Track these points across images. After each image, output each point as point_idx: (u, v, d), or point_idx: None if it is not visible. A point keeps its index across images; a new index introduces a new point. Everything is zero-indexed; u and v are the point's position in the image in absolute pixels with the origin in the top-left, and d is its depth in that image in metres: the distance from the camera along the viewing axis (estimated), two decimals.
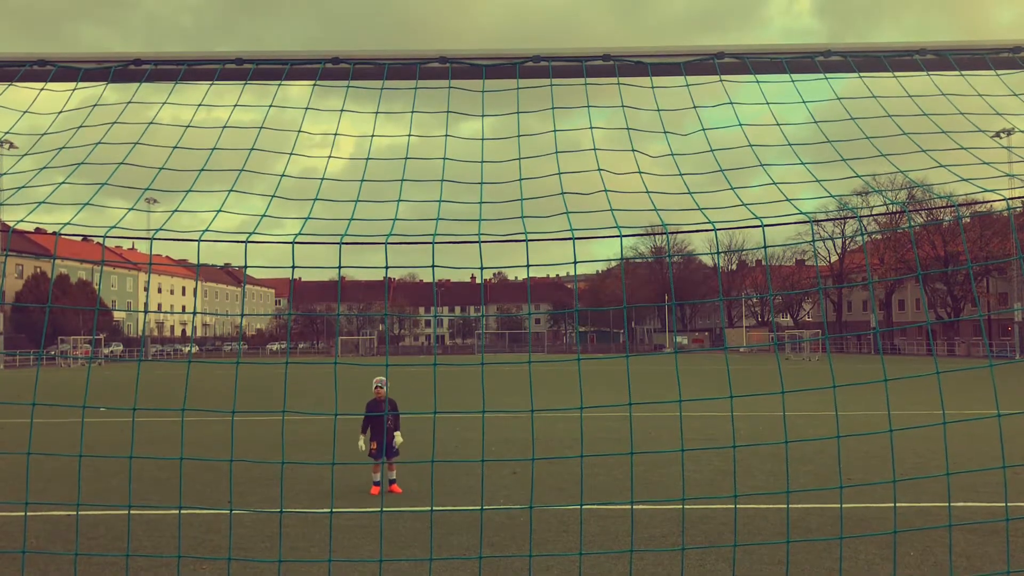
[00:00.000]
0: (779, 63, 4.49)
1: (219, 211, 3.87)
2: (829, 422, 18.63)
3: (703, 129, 4.62)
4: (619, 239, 3.98)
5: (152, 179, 4.28)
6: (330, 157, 4.43)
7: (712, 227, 3.91)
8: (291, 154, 4.42)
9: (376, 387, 11.37)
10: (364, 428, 11.36)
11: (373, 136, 4.58)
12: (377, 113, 4.54)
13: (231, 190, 4.04)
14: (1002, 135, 54.90)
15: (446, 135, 4.51)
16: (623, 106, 4.56)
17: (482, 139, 4.57)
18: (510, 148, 4.52)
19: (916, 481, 10.91)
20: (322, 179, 4.34)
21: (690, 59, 4.48)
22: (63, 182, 4.16)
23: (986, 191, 4.14)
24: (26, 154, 4.32)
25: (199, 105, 4.45)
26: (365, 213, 3.99)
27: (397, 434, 11.28)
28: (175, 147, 4.34)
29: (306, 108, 4.51)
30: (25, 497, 10.30)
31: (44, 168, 4.16)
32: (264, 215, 3.97)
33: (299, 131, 4.46)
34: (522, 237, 3.92)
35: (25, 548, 7.58)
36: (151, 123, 4.45)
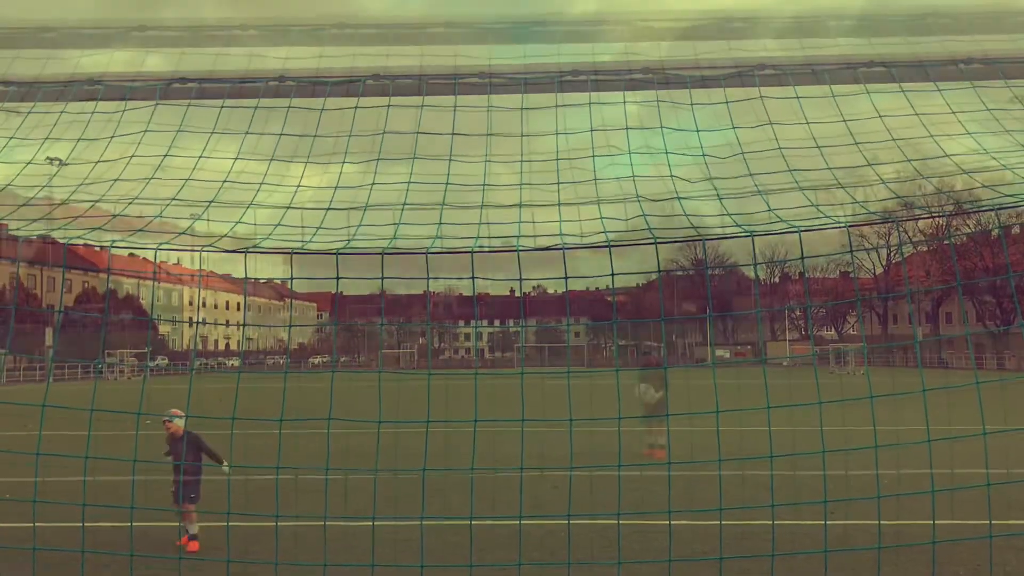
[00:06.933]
0: (819, 75, 4.48)
1: (277, 224, 3.96)
2: (873, 437, 18.25)
3: (742, 153, 4.61)
4: (654, 246, 4.00)
5: (207, 205, 4.38)
6: (375, 178, 4.50)
7: (749, 235, 3.91)
8: (343, 158, 4.50)
9: (164, 422, 9.36)
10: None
11: (416, 149, 4.65)
12: (418, 133, 4.61)
13: (289, 207, 4.14)
14: None
15: (487, 154, 4.56)
16: (662, 127, 4.58)
17: (520, 154, 4.60)
18: (550, 164, 4.55)
19: (966, 500, 10.66)
20: (372, 186, 4.41)
21: (729, 71, 4.49)
22: (121, 211, 4.28)
23: None
24: (78, 162, 4.45)
25: (246, 133, 4.55)
26: (408, 221, 4.06)
27: (225, 464, 9.20)
28: (226, 178, 4.43)
29: (350, 132, 4.59)
30: (82, 507, 10.50)
31: (97, 182, 4.29)
32: (320, 226, 4.05)
33: (348, 141, 4.54)
34: (560, 247, 3.96)
35: (85, 551, 7.74)
36: (201, 157, 4.54)
